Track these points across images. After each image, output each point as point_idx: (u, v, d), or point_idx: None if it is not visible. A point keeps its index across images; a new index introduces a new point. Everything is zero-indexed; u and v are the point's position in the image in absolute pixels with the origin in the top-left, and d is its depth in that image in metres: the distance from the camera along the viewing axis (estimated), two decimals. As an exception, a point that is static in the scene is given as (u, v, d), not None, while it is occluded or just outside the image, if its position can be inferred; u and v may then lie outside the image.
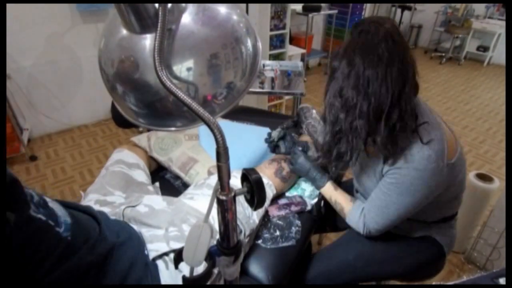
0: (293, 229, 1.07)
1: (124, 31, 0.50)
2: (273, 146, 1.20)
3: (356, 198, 1.07)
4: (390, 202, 0.89)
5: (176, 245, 0.77)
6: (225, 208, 0.50)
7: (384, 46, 0.76)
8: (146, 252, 0.76)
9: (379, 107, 0.78)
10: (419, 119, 0.84)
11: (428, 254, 1.05)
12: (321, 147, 0.96)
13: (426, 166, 0.81)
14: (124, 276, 0.65)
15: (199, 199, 0.94)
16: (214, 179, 1.05)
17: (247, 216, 0.95)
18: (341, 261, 1.06)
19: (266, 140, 1.22)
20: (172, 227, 0.82)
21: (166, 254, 0.77)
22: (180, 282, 0.73)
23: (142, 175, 1.17)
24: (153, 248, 0.77)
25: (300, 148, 1.15)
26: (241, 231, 0.90)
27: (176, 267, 0.57)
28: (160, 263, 0.75)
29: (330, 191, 1.08)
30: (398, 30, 0.79)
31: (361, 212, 0.97)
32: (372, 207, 0.94)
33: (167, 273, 0.73)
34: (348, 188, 1.13)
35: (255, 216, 0.99)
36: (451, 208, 1.02)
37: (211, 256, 0.54)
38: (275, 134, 1.19)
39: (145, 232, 0.82)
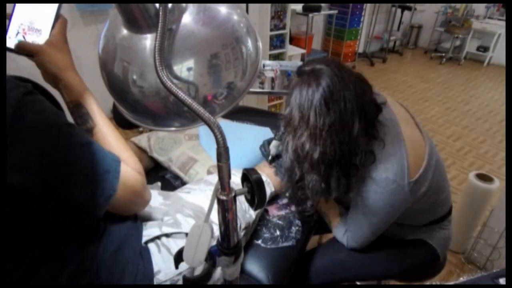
0: (293, 229, 1.07)
1: (125, 31, 0.50)
2: (270, 159, 1.18)
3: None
4: (360, 222, 0.93)
5: (168, 230, 0.77)
6: (226, 208, 0.50)
7: (321, 98, 0.74)
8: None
9: (328, 158, 0.77)
10: (378, 148, 0.83)
11: (421, 257, 1.05)
12: (285, 192, 0.97)
13: (384, 188, 0.82)
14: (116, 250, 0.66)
15: (196, 194, 0.94)
16: (212, 177, 1.06)
17: (244, 210, 0.96)
18: (333, 259, 1.07)
19: (263, 153, 1.21)
20: (167, 217, 0.82)
21: (158, 237, 0.76)
22: (172, 265, 0.73)
23: None
24: (145, 234, 0.76)
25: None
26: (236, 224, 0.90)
27: (177, 267, 0.57)
28: (152, 246, 0.75)
29: (321, 202, 1.11)
30: (338, 73, 0.75)
31: (345, 232, 1.01)
32: (348, 227, 0.99)
33: (159, 257, 0.73)
34: None
35: (252, 211, 0.99)
36: (434, 213, 1.02)
37: (211, 256, 0.54)
38: (273, 150, 1.16)
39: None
